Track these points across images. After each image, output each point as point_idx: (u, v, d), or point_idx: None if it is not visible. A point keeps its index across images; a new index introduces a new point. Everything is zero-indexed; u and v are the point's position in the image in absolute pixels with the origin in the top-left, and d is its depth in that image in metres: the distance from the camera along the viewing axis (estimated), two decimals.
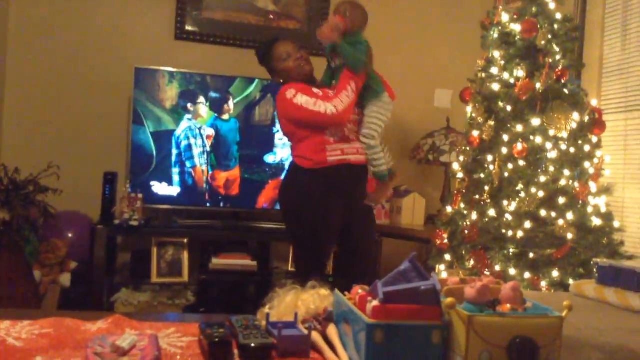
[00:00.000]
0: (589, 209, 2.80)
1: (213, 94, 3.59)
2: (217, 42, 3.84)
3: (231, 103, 3.62)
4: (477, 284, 1.04)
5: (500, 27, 3.04)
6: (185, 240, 3.52)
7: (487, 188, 2.91)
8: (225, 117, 3.61)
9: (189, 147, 3.54)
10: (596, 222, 2.78)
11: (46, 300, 3.19)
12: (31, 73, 3.61)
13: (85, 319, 1.27)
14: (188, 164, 3.55)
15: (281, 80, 2.73)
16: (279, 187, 2.78)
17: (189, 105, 3.54)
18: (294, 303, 1.27)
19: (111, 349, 1.06)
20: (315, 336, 1.16)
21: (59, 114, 3.65)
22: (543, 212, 2.74)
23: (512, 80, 2.93)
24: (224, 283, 3.47)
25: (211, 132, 3.58)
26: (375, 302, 1.04)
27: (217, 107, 3.59)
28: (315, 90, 2.59)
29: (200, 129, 3.56)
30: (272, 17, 3.92)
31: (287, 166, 3.64)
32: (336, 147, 2.57)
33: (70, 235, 3.37)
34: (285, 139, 3.64)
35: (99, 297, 3.24)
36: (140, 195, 3.35)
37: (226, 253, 3.51)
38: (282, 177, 2.86)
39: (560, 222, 2.72)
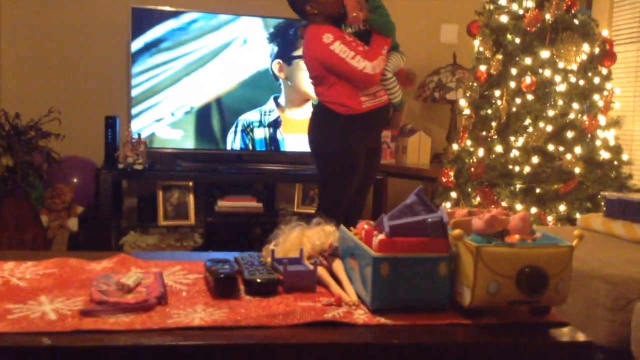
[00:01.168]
0: (598, 143, 2.77)
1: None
2: None
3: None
4: (485, 215, 1.02)
5: None
6: (191, 184, 3.52)
7: (494, 124, 2.86)
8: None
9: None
10: (604, 155, 2.75)
11: (55, 244, 3.22)
12: (27, 17, 3.51)
13: (90, 258, 1.27)
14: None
15: (315, 11, 2.56)
16: (310, 130, 2.73)
17: (188, 44, 3.46)
18: (299, 239, 1.26)
19: (116, 287, 1.06)
20: (321, 271, 1.16)
21: (57, 58, 3.58)
22: (551, 147, 2.71)
23: (521, 12, 2.85)
24: (230, 225, 3.49)
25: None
26: (381, 236, 1.03)
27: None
28: (349, 39, 2.54)
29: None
30: None
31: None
32: (367, 92, 2.59)
33: (75, 180, 3.37)
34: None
35: (106, 240, 3.26)
36: (144, 139, 3.32)
37: (232, 195, 3.51)
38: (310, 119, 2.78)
39: (568, 156, 2.69)
